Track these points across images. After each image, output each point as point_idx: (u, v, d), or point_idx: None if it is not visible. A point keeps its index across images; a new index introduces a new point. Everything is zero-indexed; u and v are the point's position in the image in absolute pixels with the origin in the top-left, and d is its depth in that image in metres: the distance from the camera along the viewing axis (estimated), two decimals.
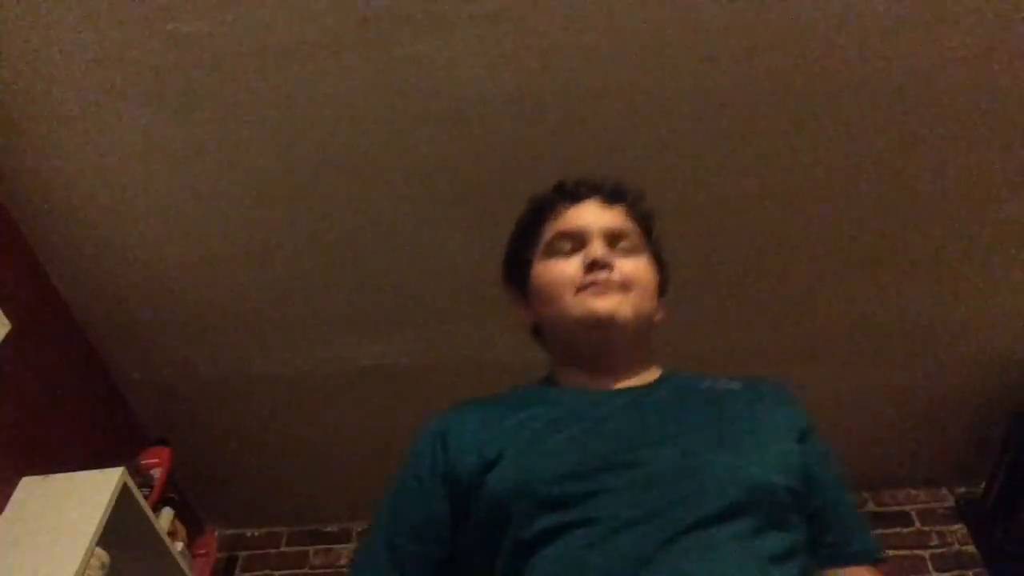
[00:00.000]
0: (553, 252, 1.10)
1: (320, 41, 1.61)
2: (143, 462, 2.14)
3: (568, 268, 1.06)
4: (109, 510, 1.71)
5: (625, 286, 1.04)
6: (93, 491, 1.74)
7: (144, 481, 2.06)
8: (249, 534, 2.83)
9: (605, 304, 1.02)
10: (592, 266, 1.03)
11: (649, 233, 1.15)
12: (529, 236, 1.15)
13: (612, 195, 1.13)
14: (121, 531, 1.78)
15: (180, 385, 2.33)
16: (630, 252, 1.08)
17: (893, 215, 1.95)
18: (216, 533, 2.73)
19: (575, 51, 1.64)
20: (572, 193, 1.13)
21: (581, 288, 1.03)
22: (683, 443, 0.93)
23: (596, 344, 1.05)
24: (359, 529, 2.78)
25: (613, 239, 1.08)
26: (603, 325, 1.02)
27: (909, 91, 1.70)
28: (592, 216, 1.10)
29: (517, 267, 1.16)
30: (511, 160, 1.81)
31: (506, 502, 0.89)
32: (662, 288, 1.13)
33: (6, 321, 1.78)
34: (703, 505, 0.84)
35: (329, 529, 2.81)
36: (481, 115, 1.73)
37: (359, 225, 1.95)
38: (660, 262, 1.14)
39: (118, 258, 2.00)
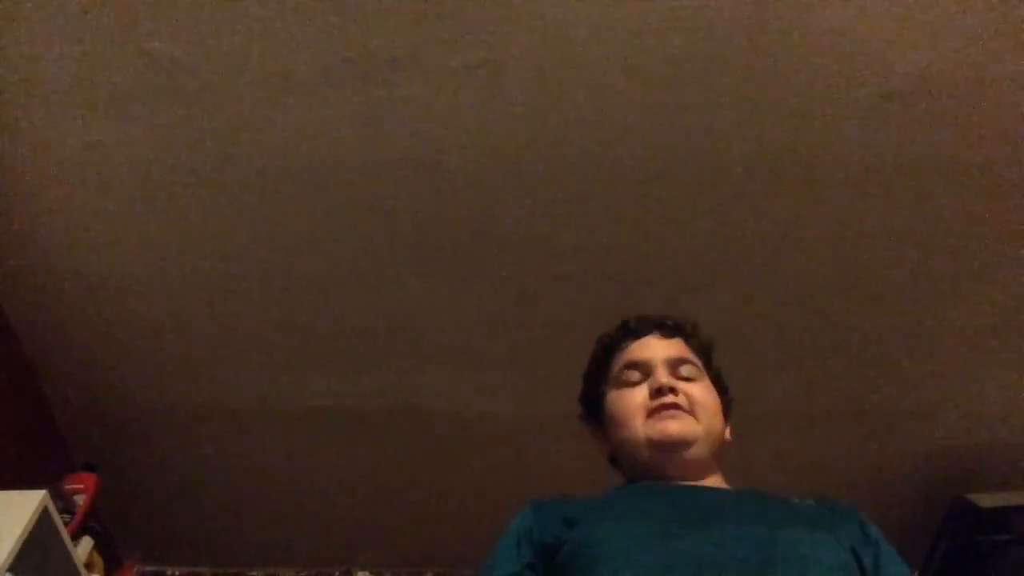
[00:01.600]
0: (622, 383, 1.21)
1: (302, 75, 1.61)
2: (67, 486, 2.04)
3: (637, 396, 1.16)
4: (26, 534, 1.62)
5: (691, 408, 1.13)
6: (11, 512, 1.65)
7: (66, 507, 1.96)
8: (169, 573, 2.70)
9: (675, 425, 1.11)
10: (659, 392, 1.14)
11: (709, 361, 1.27)
12: (600, 371, 1.27)
13: (671, 329, 1.26)
14: (36, 557, 1.68)
15: (115, 411, 2.25)
16: (692, 378, 1.18)
17: (840, 304, 1.99)
18: (135, 569, 2.61)
19: (556, 108, 1.66)
20: (635, 330, 1.26)
21: (651, 413, 1.13)
22: (762, 522, 1.00)
23: (670, 464, 1.12)
24: None
25: (675, 367, 1.19)
26: (675, 447, 1.11)
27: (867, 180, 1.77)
28: (655, 348, 1.22)
29: (592, 401, 1.28)
30: (484, 210, 1.82)
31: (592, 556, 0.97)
32: (726, 409, 1.23)
33: None
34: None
35: (254, 573, 2.70)
36: (457, 164, 1.75)
37: (320, 263, 1.92)
38: (721, 386, 1.25)
39: (63, 272, 1.94)
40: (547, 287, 1.94)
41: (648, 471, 1.15)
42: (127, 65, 1.60)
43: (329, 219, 1.85)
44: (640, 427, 1.13)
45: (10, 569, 1.58)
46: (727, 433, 1.22)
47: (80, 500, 2.02)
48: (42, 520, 1.69)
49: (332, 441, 2.32)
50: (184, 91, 1.63)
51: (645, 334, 1.25)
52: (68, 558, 1.81)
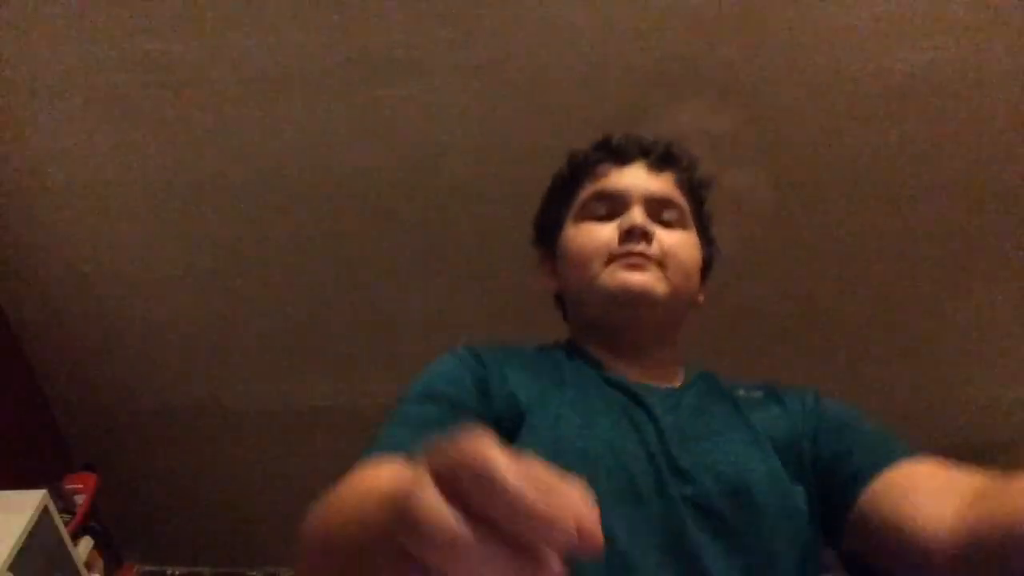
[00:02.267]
0: (587, 215, 1.00)
1: (302, 76, 1.61)
2: (67, 486, 2.04)
3: (602, 233, 0.96)
4: (26, 533, 1.62)
5: (663, 261, 0.94)
6: (11, 511, 1.65)
7: (66, 506, 1.96)
8: (170, 572, 2.70)
9: (638, 279, 0.92)
10: (629, 234, 0.94)
11: (700, 205, 1.05)
12: (563, 195, 1.05)
13: (662, 160, 1.02)
14: (36, 556, 1.69)
15: (116, 411, 2.25)
16: (674, 224, 0.98)
17: (866, 300, 1.99)
18: (135, 568, 2.60)
19: (555, 113, 1.66)
20: (617, 152, 1.03)
21: (613, 258, 0.94)
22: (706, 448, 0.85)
23: (623, 320, 0.95)
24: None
25: (656, 207, 0.98)
26: (633, 303, 0.92)
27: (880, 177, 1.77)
28: (635, 179, 0.99)
29: (546, 228, 1.07)
30: (487, 210, 1.82)
31: (544, 442, 0.81)
32: (706, 269, 1.04)
33: None
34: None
35: (254, 573, 2.70)
36: (460, 164, 1.75)
37: (323, 261, 1.93)
38: (707, 239, 1.05)
39: (65, 272, 1.95)
40: None
41: (595, 326, 0.98)
42: (127, 66, 1.60)
43: (330, 220, 1.85)
44: (597, 272, 0.94)
45: (10, 568, 1.58)
46: (700, 296, 1.03)
47: (80, 500, 2.03)
48: (42, 520, 1.69)
49: (332, 441, 2.32)
50: (184, 93, 1.63)
51: (628, 160, 1.01)
52: (68, 557, 1.81)
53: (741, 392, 0.96)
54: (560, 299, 1.08)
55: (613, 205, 0.98)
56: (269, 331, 2.07)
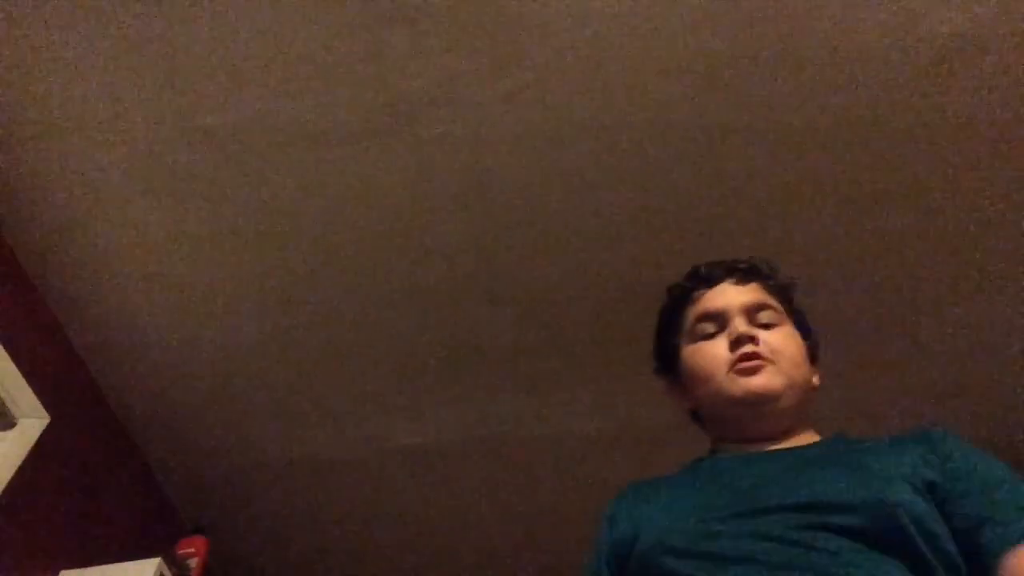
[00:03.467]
0: (698, 336, 1.13)
1: (344, 127, 1.65)
2: (179, 552, 2.11)
3: (716, 349, 1.09)
4: None
5: (772, 358, 1.05)
6: None
7: (181, 572, 2.02)
8: None
9: (758, 380, 1.04)
10: (738, 342, 1.06)
11: (790, 303, 1.18)
12: (673, 324, 1.19)
13: (746, 273, 1.16)
14: None
15: (215, 473, 2.32)
16: (773, 324, 1.10)
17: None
18: None
19: (595, 129, 1.66)
20: (707, 277, 1.17)
21: (731, 367, 1.05)
22: (805, 481, 0.94)
23: (754, 418, 1.06)
24: None
25: (753, 313, 1.11)
26: (759, 402, 1.04)
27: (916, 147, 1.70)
28: (730, 296, 1.13)
29: (666, 355, 1.20)
30: (532, 238, 1.84)
31: (647, 561, 0.94)
32: (812, 354, 1.15)
33: (45, 413, 1.80)
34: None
35: None
36: (501, 194, 1.76)
37: (390, 303, 1.96)
38: (805, 329, 1.16)
39: (151, 346, 2.03)
40: (615, 300, 1.92)
41: (733, 429, 1.09)
42: (184, 145, 1.66)
43: (392, 263, 1.88)
44: (723, 382, 1.06)
45: None
46: (815, 379, 1.13)
47: (193, 563, 2.08)
48: None
49: (434, 480, 2.36)
50: (238, 160, 1.69)
51: (718, 281, 1.15)
52: None
53: (868, 443, 1.05)
54: (694, 415, 1.19)
55: (717, 322, 1.11)
56: (351, 382, 2.11)
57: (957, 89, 1.61)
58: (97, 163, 1.69)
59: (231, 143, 1.66)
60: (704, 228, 1.82)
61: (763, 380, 1.03)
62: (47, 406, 1.80)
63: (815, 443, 1.07)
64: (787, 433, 1.07)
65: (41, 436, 1.77)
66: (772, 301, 1.13)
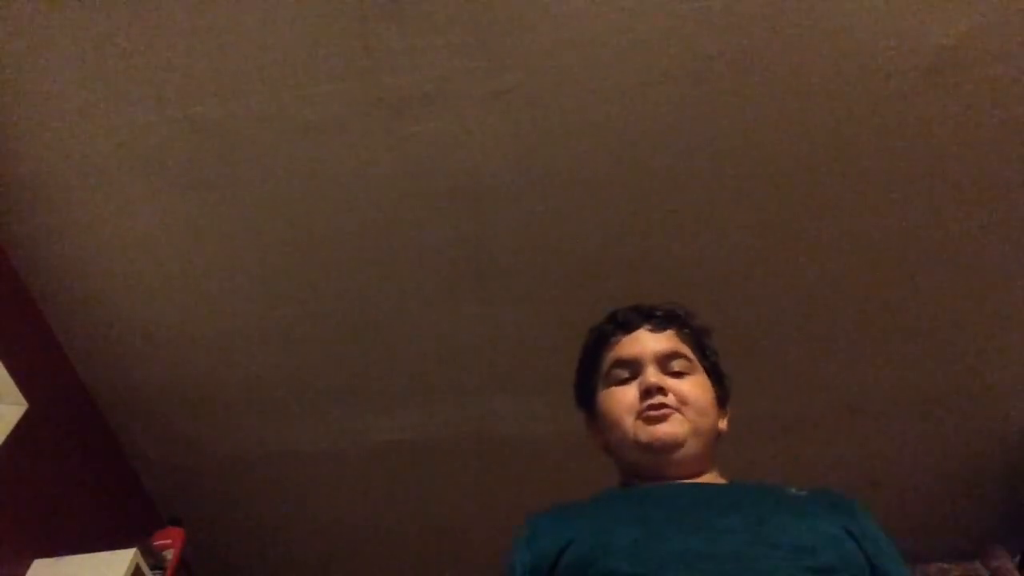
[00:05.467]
0: (612, 381, 1.18)
1: (334, 120, 1.65)
2: (156, 543, 2.10)
3: (626, 396, 1.14)
4: None
5: (679, 407, 1.11)
6: (105, 573, 1.71)
7: (156, 563, 2.01)
8: None
9: (663, 428, 1.09)
10: (647, 392, 1.11)
11: (704, 350, 1.22)
12: (590, 365, 1.24)
13: (662, 320, 1.21)
14: None
15: (193, 464, 2.31)
16: (683, 373, 1.15)
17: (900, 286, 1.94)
18: None
19: (586, 129, 1.66)
20: (624, 323, 1.22)
21: (639, 415, 1.11)
22: (750, 512, 1.00)
23: (660, 464, 1.11)
24: None
25: (665, 362, 1.16)
26: (665, 448, 1.09)
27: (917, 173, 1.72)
28: (644, 343, 1.18)
29: (584, 394, 1.26)
30: (520, 236, 1.83)
31: (584, 566, 0.96)
32: (722, 401, 1.20)
33: (23, 401, 1.78)
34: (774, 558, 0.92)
35: None
36: (490, 192, 1.76)
37: (370, 300, 1.95)
38: (717, 375, 1.22)
39: (134, 336, 2.01)
40: (606, 300, 1.92)
41: (640, 472, 1.14)
42: (168, 133, 1.65)
43: (383, 260, 1.88)
44: (630, 429, 1.12)
45: None
46: (722, 424, 1.19)
47: (169, 555, 2.08)
48: None
49: (406, 474, 2.35)
50: (224, 150, 1.68)
51: (635, 328, 1.21)
52: None
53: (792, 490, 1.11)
54: (607, 451, 1.23)
55: (631, 369, 1.16)
56: (330, 376, 2.11)
57: (952, 99, 1.62)
58: (81, 151, 1.67)
59: (220, 134, 1.65)
60: (698, 229, 1.82)
61: (668, 428, 1.09)
62: (25, 393, 1.78)
63: (729, 483, 1.14)
64: (693, 477, 1.12)
65: (19, 422, 1.75)
66: (685, 349, 1.18)
